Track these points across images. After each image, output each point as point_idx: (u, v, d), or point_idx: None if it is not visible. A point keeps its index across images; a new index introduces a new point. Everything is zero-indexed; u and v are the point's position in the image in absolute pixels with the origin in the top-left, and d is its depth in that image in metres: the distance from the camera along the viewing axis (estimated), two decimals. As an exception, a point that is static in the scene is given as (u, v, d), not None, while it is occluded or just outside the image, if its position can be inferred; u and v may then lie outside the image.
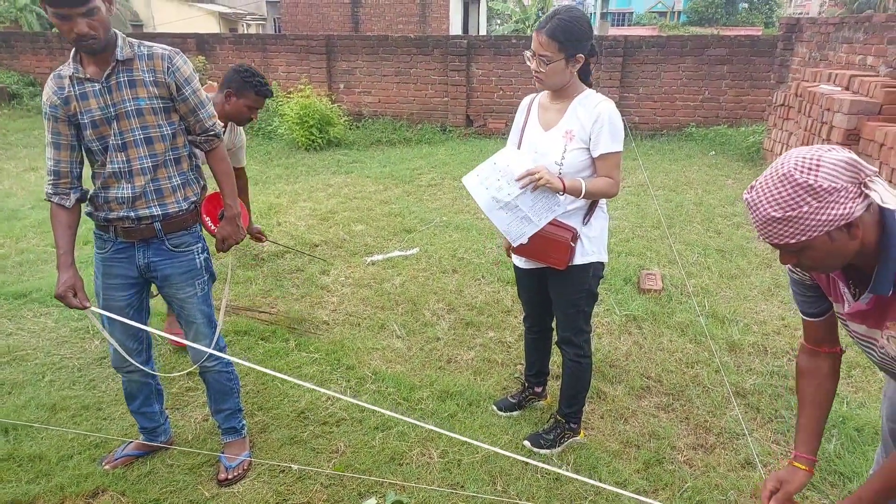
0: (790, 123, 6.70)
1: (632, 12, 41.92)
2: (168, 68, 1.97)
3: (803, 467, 1.45)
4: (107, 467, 2.35)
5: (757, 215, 1.16)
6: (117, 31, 1.93)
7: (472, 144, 8.77)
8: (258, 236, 3.83)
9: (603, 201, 2.34)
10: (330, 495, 2.27)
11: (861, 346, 1.38)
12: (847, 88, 5.70)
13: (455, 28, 17.91)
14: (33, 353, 3.15)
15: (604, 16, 32.80)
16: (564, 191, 2.12)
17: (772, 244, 1.19)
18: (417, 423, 2.05)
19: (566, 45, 2.07)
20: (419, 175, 7.12)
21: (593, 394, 2.92)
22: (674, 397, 2.92)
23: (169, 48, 2.02)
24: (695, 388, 2.98)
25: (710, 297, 3.89)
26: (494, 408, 2.81)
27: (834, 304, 1.37)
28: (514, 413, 2.78)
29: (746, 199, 1.19)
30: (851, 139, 5.07)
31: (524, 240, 2.21)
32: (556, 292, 2.42)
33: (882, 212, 1.18)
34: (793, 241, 1.16)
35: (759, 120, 8.60)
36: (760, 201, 1.16)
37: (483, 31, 21.95)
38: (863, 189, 1.13)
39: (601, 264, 2.39)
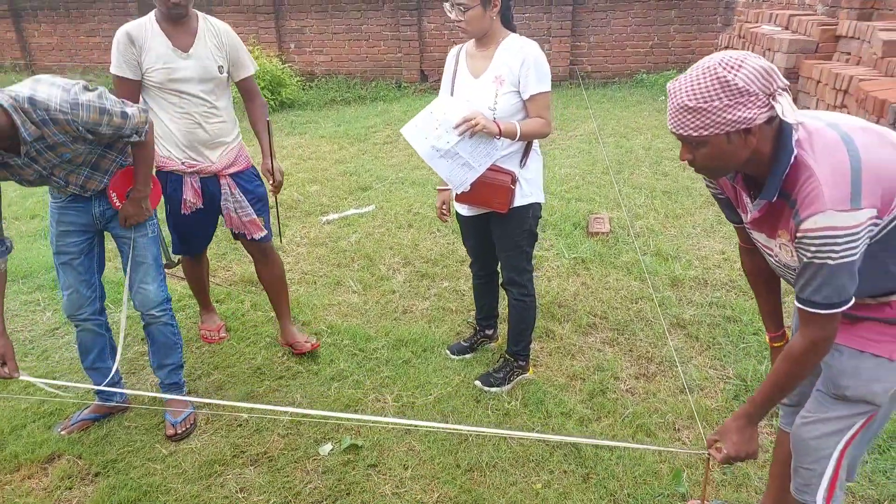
0: (736, 65, 6.81)
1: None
2: (78, 127, 1.91)
3: (780, 344, 1.68)
4: (63, 433, 2.38)
5: (673, 102, 1.24)
6: (11, 114, 1.80)
7: (427, 100, 8.63)
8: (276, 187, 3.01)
9: (536, 143, 2.41)
10: (287, 444, 2.35)
11: (765, 256, 1.49)
12: (787, 28, 5.81)
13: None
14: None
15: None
16: (501, 134, 2.18)
17: (676, 134, 1.27)
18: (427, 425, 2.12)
19: None
20: (374, 133, 7.05)
21: (542, 333, 3.04)
22: (618, 332, 3.06)
23: (66, 103, 1.87)
24: (638, 323, 3.12)
25: (655, 237, 4.03)
26: (448, 352, 2.90)
27: (742, 214, 1.47)
28: (467, 356, 2.88)
29: (669, 86, 1.27)
30: (791, 77, 5.20)
31: (466, 186, 2.27)
32: (498, 235, 2.50)
33: (781, 126, 1.26)
34: (695, 133, 1.23)
35: (709, 64, 8.71)
36: (679, 89, 1.23)
37: (437, -16, 21.40)
38: (770, 100, 1.20)
39: (539, 205, 2.48)
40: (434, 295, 3.47)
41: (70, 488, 2.13)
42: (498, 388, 2.63)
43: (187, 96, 2.45)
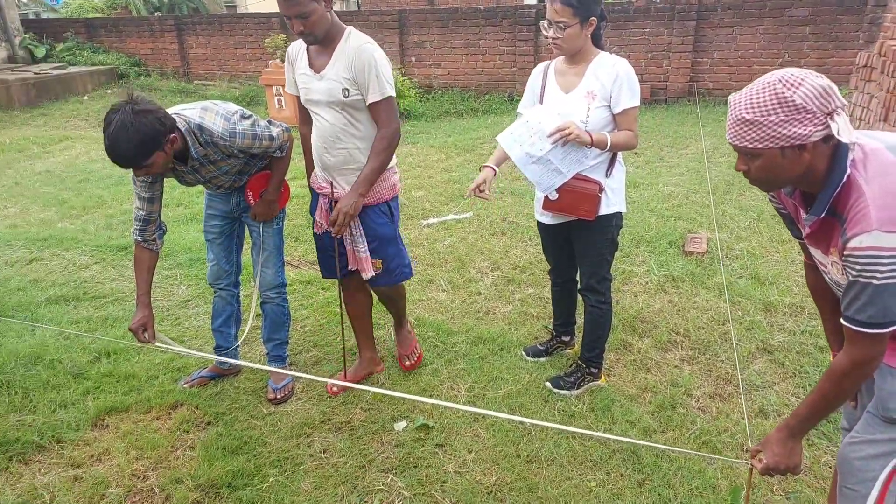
0: (872, 85, 6.26)
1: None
2: (234, 150, 2.36)
3: None
4: (185, 386, 2.81)
5: (732, 114, 1.31)
6: (186, 135, 2.26)
7: (538, 114, 8.80)
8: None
9: (620, 155, 2.51)
10: (367, 417, 2.60)
11: (822, 273, 1.51)
12: (937, 44, 5.28)
13: (530, -4, 17.62)
14: (131, 295, 3.69)
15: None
16: (592, 144, 2.30)
17: (733, 145, 1.34)
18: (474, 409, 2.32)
19: (580, 9, 2.23)
20: (481, 144, 7.30)
21: (620, 345, 3.07)
22: (699, 351, 3.02)
23: (226, 131, 2.30)
24: (722, 344, 3.05)
25: (754, 260, 3.87)
26: (523, 353, 3.03)
27: (801, 229, 1.50)
28: (542, 359, 2.99)
29: (730, 98, 1.35)
30: (935, 99, 4.73)
31: (553, 190, 2.41)
32: (581, 243, 2.59)
33: (837, 145, 1.28)
34: (751, 145, 1.29)
35: (844, 84, 8.04)
36: (739, 102, 1.29)
37: (560, -1, 21.41)
38: (827, 119, 1.24)
39: (621, 214, 2.57)
40: (518, 300, 3.60)
41: (187, 431, 2.53)
42: (567, 392, 2.71)
43: (319, 118, 2.41)
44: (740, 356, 2.94)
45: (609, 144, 2.32)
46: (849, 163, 1.28)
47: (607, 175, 2.45)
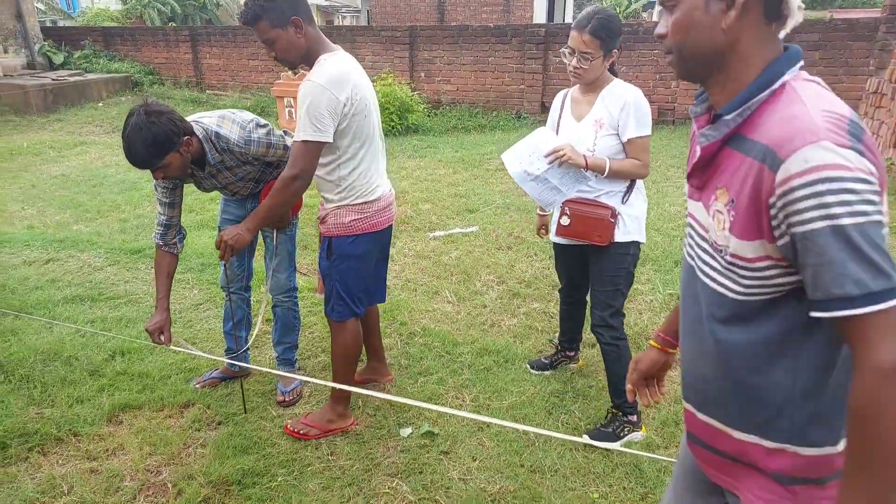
0: (882, 112, 6.37)
1: None
2: (249, 157, 2.45)
3: (656, 345, 1.40)
4: (196, 386, 2.87)
5: None
6: (203, 142, 2.35)
7: (545, 132, 8.92)
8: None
9: (640, 183, 2.48)
10: (373, 423, 2.66)
11: (692, 255, 1.13)
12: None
13: (539, 17, 17.89)
14: (144, 297, 3.78)
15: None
16: (587, 168, 2.32)
17: None
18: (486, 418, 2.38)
19: (607, 42, 2.24)
20: (488, 160, 7.40)
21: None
22: (702, 369, 3.07)
23: (242, 139, 2.39)
24: (724, 362, 3.10)
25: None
26: (528, 366, 3.08)
27: (687, 182, 1.14)
28: (546, 372, 3.04)
29: None
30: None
31: (554, 207, 2.45)
32: (595, 270, 2.52)
33: (775, 41, 0.99)
34: None
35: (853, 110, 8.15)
36: None
37: (570, 19, 21.70)
38: None
39: (639, 245, 2.49)
40: (523, 313, 3.66)
41: (198, 430, 2.58)
42: (609, 445, 2.45)
43: None
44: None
45: (607, 170, 2.31)
46: (791, 71, 0.97)
47: (623, 202, 2.42)
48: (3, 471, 2.26)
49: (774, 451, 1.02)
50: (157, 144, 2.13)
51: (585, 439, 2.49)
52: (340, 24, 25.65)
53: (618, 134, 2.33)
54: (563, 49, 2.34)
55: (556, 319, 3.56)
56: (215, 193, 2.68)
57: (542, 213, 2.81)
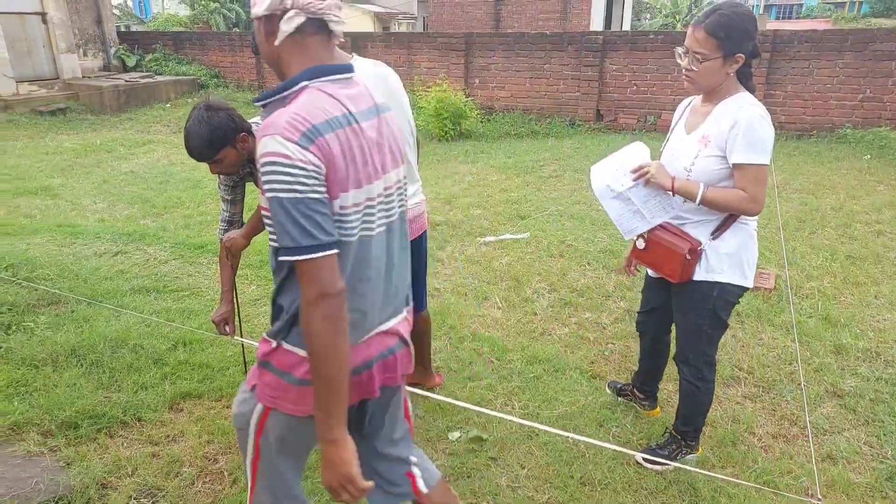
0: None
1: (801, 4, 37.96)
2: None
3: None
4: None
5: None
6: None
7: (600, 139, 8.78)
8: None
9: (745, 218, 2.08)
10: (422, 424, 2.66)
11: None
12: None
13: (597, 24, 17.65)
14: (206, 290, 3.92)
15: (767, 9, 30.16)
16: (673, 191, 2.04)
17: None
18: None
19: (725, 42, 1.91)
20: (541, 166, 7.34)
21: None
22: (763, 389, 2.94)
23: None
24: (787, 384, 2.96)
25: (825, 301, 3.74)
26: (608, 387, 2.87)
27: None
28: (619, 399, 2.80)
29: None
30: None
31: (633, 234, 2.22)
32: (676, 305, 2.27)
33: (305, 51, 1.30)
34: None
35: (931, 122, 7.68)
36: None
37: (627, 27, 21.34)
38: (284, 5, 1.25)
39: (732, 287, 2.11)
40: (574, 323, 3.61)
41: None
42: (661, 467, 2.35)
43: None
44: (807, 397, 2.85)
45: (699, 197, 1.98)
46: (311, 81, 1.27)
47: (713, 236, 2.08)
48: (74, 450, 2.38)
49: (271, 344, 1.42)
50: (213, 138, 2.21)
51: (639, 457, 2.41)
52: (397, 30, 26.06)
53: (724, 157, 1.99)
54: (677, 48, 2.04)
55: (608, 330, 3.49)
56: None
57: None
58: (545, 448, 2.51)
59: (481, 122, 9.81)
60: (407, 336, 1.53)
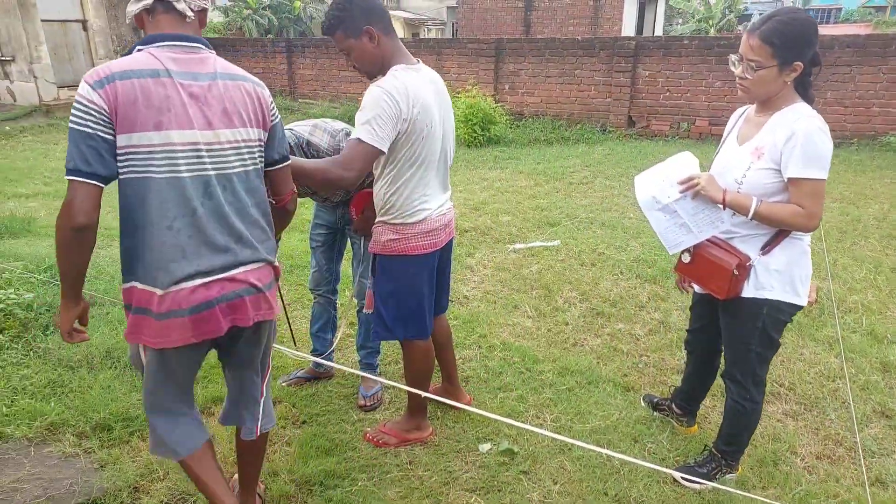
0: None
1: (839, 8, 37.00)
2: None
3: None
4: (283, 384, 2.95)
5: None
6: (295, 149, 2.40)
7: (631, 145, 8.66)
8: None
9: (803, 237, 2.02)
10: (452, 435, 2.63)
11: None
12: None
13: (628, 29, 17.47)
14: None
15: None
16: (724, 204, 1.96)
17: None
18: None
19: (781, 50, 1.83)
20: (571, 173, 7.26)
21: (716, 391, 2.93)
22: (805, 407, 2.83)
23: (332, 148, 2.46)
24: (832, 402, 2.85)
25: (869, 315, 3.60)
26: (642, 400, 2.82)
27: None
28: (655, 413, 2.75)
29: None
30: None
31: (679, 249, 2.14)
32: (723, 323, 2.20)
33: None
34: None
35: (982, 130, 7.38)
36: None
37: (659, 32, 21.06)
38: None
39: (783, 304, 2.03)
40: (607, 334, 3.53)
41: (283, 427, 2.65)
42: (700, 486, 2.28)
43: None
44: (853, 417, 2.73)
45: (752, 212, 1.90)
46: (147, 47, 1.57)
47: (763, 251, 1.99)
48: (108, 452, 2.40)
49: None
50: None
51: (676, 475, 2.33)
52: (426, 36, 26.18)
53: (778, 170, 1.90)
54: (731, 55, 1.96)
55: (642, 343, 3.41)
56: (308, 199, 2.75)
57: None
58: (578, 463, 2.45)
59: (510, 127, 9.77)
60: (262, 284, 1.72)
